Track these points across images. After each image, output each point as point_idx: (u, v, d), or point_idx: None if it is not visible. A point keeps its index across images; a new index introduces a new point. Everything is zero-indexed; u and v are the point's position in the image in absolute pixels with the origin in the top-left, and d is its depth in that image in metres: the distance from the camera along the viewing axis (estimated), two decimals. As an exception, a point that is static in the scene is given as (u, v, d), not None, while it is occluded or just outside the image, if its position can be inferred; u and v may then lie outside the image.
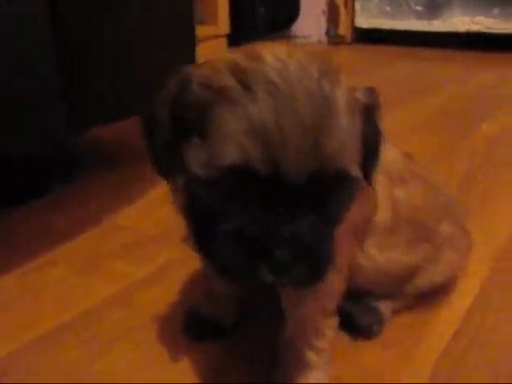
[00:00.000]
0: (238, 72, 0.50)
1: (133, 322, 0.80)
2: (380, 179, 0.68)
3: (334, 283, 0.64)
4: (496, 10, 2.67)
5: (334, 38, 3.21)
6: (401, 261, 0.74)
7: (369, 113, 0.56)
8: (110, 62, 1.14)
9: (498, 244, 0.99)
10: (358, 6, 3.09)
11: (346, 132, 0.50)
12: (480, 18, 2.72)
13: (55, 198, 1.20)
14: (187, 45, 1.30)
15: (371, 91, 0.57)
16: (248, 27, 2.80)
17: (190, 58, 1.35)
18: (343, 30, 3.18)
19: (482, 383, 0.67)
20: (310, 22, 3.25)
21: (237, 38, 2.70)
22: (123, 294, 0.87)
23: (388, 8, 2.98)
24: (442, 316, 0.80)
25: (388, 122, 1.77)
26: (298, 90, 0.49)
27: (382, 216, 0.70)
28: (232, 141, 0.48)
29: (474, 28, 2.75)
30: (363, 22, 3.09)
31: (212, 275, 0.73)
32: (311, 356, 0.64)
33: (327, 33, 3.25)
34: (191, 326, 0.77)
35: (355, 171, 0.52)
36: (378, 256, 0.72)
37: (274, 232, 0.49)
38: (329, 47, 3.14)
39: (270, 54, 0.51)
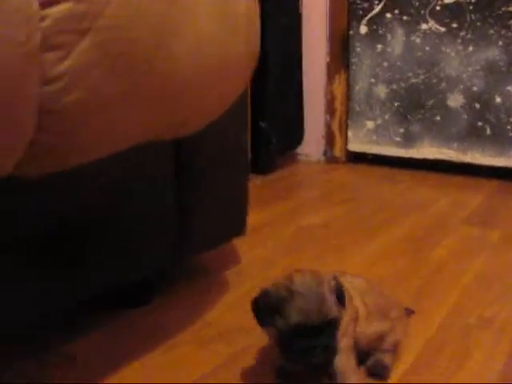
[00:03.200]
0: (286, 288, 1.24)
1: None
2: (354, 294, 1.42)
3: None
4: (455, 145, 3.49)
5: (330, 158, 3.98)
6: (377, 329, 1.46)
7: (338, 290, 1.30)
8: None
9: (432, 324, 1.72)
10: (350, 133, 3.89)
11: (330, 302, 1.25)
12: (444, 150, 3.54)
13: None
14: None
15: (336, 280, 1.30)
16: (264, 155, 3.59)
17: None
18: (338, 152, 3.96)
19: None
20: (312, 145, 4.03)
21: (256, 162, 3.51)
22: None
23: (374, 137, 3.79)
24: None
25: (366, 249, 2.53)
26: (311, 291, 1.22)
27: (361, 312, 1.43)
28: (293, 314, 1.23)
29: (440, 157, 3.56)
30: (354, 146, 3.89)
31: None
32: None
33: (325, 153, 4.02)
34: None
35: (334, 312, 1.25)
36: (367, 329, 1.43)
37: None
38: (326, 165, 3.92)
39: (297, 278, 1.25)
